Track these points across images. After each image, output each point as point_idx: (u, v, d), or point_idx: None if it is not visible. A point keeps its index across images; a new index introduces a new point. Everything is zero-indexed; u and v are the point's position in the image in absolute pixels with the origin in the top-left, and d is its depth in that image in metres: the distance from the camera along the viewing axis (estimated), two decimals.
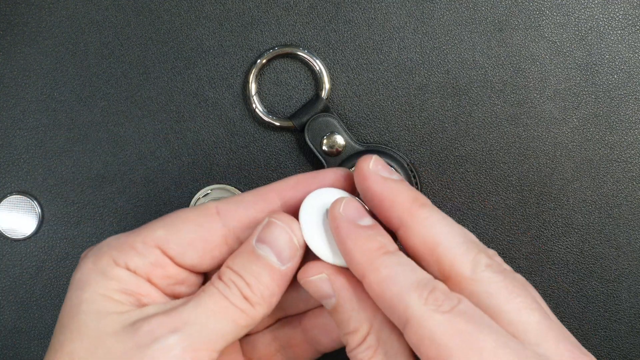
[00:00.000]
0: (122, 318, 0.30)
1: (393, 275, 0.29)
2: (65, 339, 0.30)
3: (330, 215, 0.31)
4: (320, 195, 0.33)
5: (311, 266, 0.32)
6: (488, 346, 0.27)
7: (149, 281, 0.32)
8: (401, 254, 0.30)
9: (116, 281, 0.31)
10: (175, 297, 0.33)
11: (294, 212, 0.32)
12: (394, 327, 0.30)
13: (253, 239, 0.31)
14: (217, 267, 0.33)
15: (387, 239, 0.31)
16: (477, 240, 0.31)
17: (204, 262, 0.32)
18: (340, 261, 0.32)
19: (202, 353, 0.29)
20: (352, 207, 0.31)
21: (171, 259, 0.32)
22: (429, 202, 0.31)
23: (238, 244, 0.33)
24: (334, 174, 0.34)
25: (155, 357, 0.29)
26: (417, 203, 0.31)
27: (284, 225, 0.31)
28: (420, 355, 0.28)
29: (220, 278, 0.31)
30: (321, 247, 0.32)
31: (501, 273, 0.29)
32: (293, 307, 0.36)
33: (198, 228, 0.32)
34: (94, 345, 0.30)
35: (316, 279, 0.31)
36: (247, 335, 0.35)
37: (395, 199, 0.31)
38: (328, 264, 0.32)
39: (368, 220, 0.31)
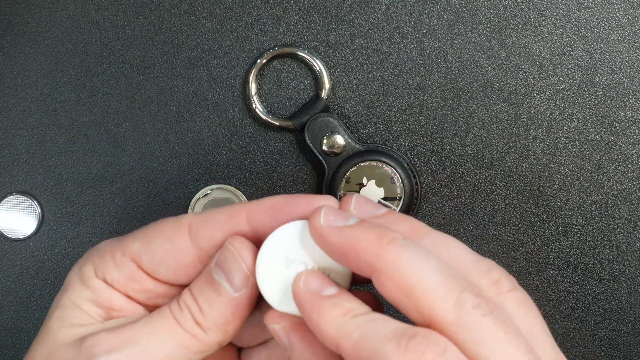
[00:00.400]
0: (79, 330, 0.30)
1: (365, 334, 0.26)
2: (35, 342, 0.31)
3: (292, 290, 0.29)
4: (286, 233, 0.30)
5: (271, 314, 0.30)
6: None
7: (127, 295, 0.31)
8: (372, 312, 0.27)
9: (91, 291, 0.31)
10: (154, 309, 0.32)
11: (262, 236, 0.31)
12: None
13: (212, 262, 0.30)
14: (193, 279, 0.32)
15: (356, 302, 0.28)
16: (462, 273, 0.27)
17: (179, 277, 0.31)
18: (293, 310, 0.29)
19: None
20: (314, 278, 0.29)
21: (146, 273, 0.31)
22: (398, 235, 0.27)
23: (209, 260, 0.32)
24: (309, 205, 0.30)
25: None
26: (382, 243, 0.27)
27: (234, 251, 0.30)
28: None
29: (177, 300, 0.30)
30: (273, 295, 0.30)
31: (490, 314, 0.26)
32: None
33: (170, 245, 0.31)
34: (49, 352, 0.30)
35: (273, 328, 0.30)
36: (245, 348, 0.34)
37: (357, 246, 0.27)
38: (279, 316, 0.30)
39: (332, 289, 0.29)
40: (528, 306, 0.28)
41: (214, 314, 0.30)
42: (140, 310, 0.32)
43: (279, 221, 0.30)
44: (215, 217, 0.31)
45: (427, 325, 0.26)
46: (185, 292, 0.30)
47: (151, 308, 0.32)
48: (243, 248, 0.30)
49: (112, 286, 0.31)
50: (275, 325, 0.29)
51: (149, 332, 0.29)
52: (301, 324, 0.29)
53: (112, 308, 0.31)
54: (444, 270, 0.27)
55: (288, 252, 0.30)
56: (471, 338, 0.25)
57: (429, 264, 0.27)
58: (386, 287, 0.27)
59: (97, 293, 0.31)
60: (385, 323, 0.26)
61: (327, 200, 0.30)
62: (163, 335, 0.29)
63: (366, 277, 0.28)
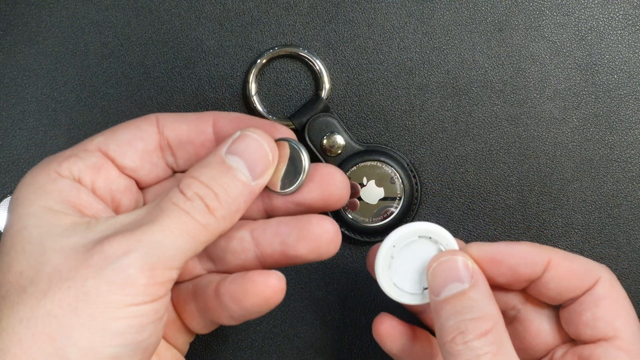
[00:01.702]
0: (68, 233, 0.29)
1: (569, 253, 0.34)
2: (12, 260, 0.29)
3: (481, 253, 0.34)
4: (414, 234, 0.35)
5: (454, 252, 0.33)
6: None
7: (93, 191, 0.31)
8: None
9: (57, 192, 0.30)
10: (117, 210, 0.32)
11: (221, 140, 0.32)
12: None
13: (222, 150, 0.30)
14: (156, 181, 0.32)
15: None
16: None
17: (144, 166, 0.32)
18: (417, 300, 0.34)
19: (159, 272, 0.28)
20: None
21: (112, 160, 0.31)
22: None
23: (171, 157, 0.33)
24: (271, 129, 0.33)
25: (110, 278, 0.27)
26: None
27: (260, 139, 0.31)
28: (597, 309, 0.32)
29: (182, 192, 0.29)
30: (403, 285, 0.35)
31: None
32: (222, 261, 0.34)
33: (136, 130, 0.32)
34: (39, 262, 0.28)
35: (462, 260, 0.33)
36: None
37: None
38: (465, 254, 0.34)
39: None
40: None
41: (229, 201, 0.30)
42: (108, 210, 0.31)
43: (240, 128, 0.32)
44: (184, 115, 0.33)
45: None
46: (191, 182, 0.30)
47: (112, 208, 0.32)
48: (268, 137, 0.31)
49: (79, 182, 0.30)
50: (459, 257, 0.33)
51: (160, 228, 0.28)
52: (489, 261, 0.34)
53: (82, 205, 0.30)
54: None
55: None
56: None
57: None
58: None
59: (65, 192, 0.30)
60: None
61: (284, 130, 0.33)
62: (175, 229, 0.29)
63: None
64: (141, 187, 0.34)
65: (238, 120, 0.33)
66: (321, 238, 0.32)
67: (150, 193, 0.34)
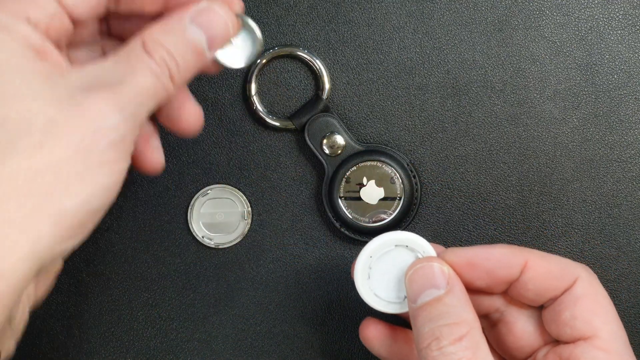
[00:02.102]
0: (49, 84, 0.28)
1: (546, 254, 0.35)
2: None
3: (456, 258, 0.34)
4: (391, 242, 0.35)
5: (431, 258, 0.34)
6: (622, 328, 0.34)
7: (51, 39, 0.30)
8: None
9: (22, 36, 0.28)
10: (72, 61, 0.32)
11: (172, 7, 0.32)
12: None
13: (186, 19, 0.31)
14: (89, 12, 0.31)
15: None
16: None
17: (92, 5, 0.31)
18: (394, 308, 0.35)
19: (138, 126, 0.29)
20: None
21: (67, 10, 0.30)
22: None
23: None
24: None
25: (107, 135, 0.28)
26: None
27: (225, 16, 0.31)
28: (575, 308, 0.32)
29: (150, 54, 0.30)
30: (379, 292, 0.36)
31: None
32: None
33: None
34: (28, 111, 0.27)
35: (438, 266, 0.33)
36: None
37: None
38: (440, 260, 0.34)
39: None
40: None
41: (186, 70, 0.31)
42: (63, 57, 0.30)
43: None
44: None
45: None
46: (157, 47, 0.30)
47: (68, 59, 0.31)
48: (230, 12, 0.31)
49: (36, 27, 0.29)
50: (437, 264, 0.33)
51: (137, 88, 0.29)
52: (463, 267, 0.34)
53: (46, 52, 0.29)
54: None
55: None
56: None
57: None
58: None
59: (30, 37, 0.28)
60: None
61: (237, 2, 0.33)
62: (148, 89, 0.29)
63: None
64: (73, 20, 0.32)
65: None
66: None
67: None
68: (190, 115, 0.33)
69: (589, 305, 0.33)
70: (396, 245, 0.35)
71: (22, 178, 0.26)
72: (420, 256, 0.35)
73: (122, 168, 0.29)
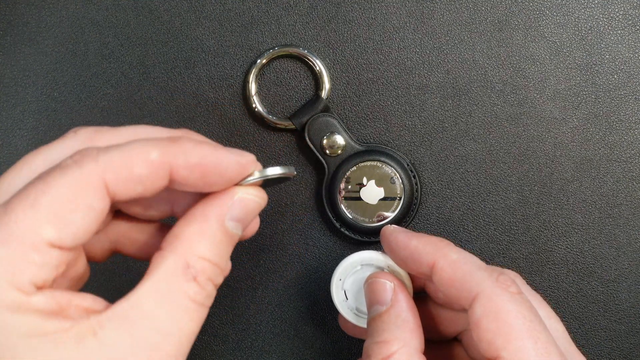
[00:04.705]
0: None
1: (462, 258, 0.32)
2: None
3: (382, 233, 0.35)
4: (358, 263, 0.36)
5: (381, 274, 0.34)
6: (542, 338, 0.29)
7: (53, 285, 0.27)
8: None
9: (35, 312, 0.25)
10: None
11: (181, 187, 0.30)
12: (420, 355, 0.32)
13: (226, 218, 0.29)
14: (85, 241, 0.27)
15: None
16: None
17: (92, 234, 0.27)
18: (362, 323, 0.36)
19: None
20: (399, 229, 0.35)
21: (68, 249, 0.26)
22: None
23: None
24: (238, 167, 0.30)
25: None
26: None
27: (259, 200, 0.30)
28: (479, 330, 0.30)
29: (197, 281, 0.28)
30: (349, 306, 0.36)
31: (519, 294, 0.31)
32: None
33: (92, 214, 0.27)
34: None
35: (383, 282, 0.33)
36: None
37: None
38: (392, 276, 0.34)
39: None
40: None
41: (227, 265, 0.30)
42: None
43: (204, 184, 0.29)
44: (133, 170, 0.28)
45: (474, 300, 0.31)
46: (204, 264, 0.28)
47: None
48: (261, 193, 0.31)
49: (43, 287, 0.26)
50: (386, 282, 0.34)
51: (184, 341, 0.29)
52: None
53: (63, 311, 0.26)
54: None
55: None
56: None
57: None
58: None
59: (42, 304, 0.26)
60: (476, 258, 0.32)
61: (248, 158, 0.30)
62: (195, 329, 0.29)
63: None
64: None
65: (200, 171, 0.29)
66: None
67: None
68: (252, 232, 0.33)
69: (489, 325, 0.31)
70: (362, 265, 0.36)
71: None
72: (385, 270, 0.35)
73: None
